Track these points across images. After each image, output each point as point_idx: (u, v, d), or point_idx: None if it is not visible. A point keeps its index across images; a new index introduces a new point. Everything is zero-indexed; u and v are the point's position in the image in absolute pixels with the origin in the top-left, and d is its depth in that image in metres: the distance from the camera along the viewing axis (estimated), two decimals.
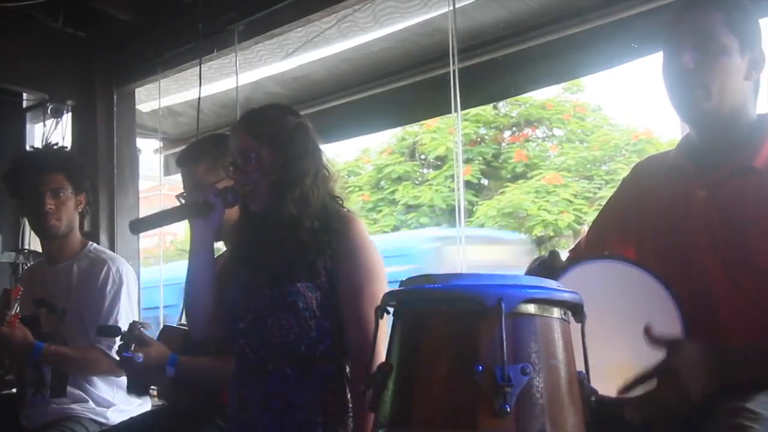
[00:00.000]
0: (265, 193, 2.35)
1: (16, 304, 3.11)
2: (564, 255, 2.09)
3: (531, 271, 1.98)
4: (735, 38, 1.97)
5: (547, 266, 1.93)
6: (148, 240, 8.54)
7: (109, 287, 3.22)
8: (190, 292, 2.44)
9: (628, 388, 1.70)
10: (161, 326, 3.10)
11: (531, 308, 1.41)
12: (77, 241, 3.39)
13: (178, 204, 2.61)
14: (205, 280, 2.42)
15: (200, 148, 2.92)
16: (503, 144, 12.64)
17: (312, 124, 2.46)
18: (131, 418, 3.03)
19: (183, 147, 5.69)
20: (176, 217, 2.46)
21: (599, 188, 11.22)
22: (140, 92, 5.30)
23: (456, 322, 1.41)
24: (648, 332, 1.74)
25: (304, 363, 2.26)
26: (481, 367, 1.34)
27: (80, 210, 3.38)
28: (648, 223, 2.11)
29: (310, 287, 2.27)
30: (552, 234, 11.12)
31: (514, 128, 12.82)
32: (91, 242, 3.44)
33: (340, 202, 2.44)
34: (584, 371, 1.47)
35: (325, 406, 2.25)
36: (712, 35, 1.96)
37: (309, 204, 2.31)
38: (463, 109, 4.10)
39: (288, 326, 2.26)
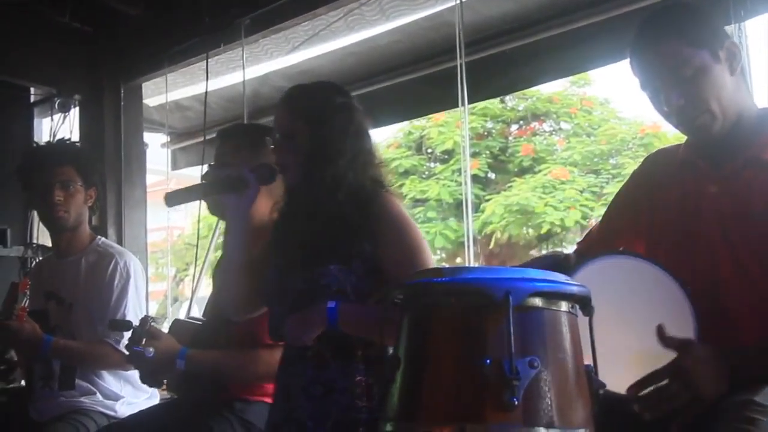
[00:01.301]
0: (295, 171, 2.31)
1: (26, 298, 3.12)
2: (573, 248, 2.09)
3: (541, 260, 1.97)
4: (703, 50, 1.95)
5: (560, 264, 1.91)
6: (155, 234, 8.58)
7: (116, 281, 3.23)
8: (224, 271, 2.41)
9: (638, 386, 1.70)
10: (172, 320, 3.10)
11: (538, 301, 1.41)
12: (86, 235, 3.40)
13: (212, 179, 2.59)
14: (239, 258, 2.38)
15: (243, 128, 2.98)
16: (510, 138, 12.60)
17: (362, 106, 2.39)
18: (140, 411, 3.04)
19: (190, 142, 5.75)
20: (210, 191, 2.46)
21: (606, 182, 11.18)
22: (147, 86, 5.31)
23: (464, 315, 1.41)
24: (660, 333, 1.74)
25: (344, 347, 2.20)
26: (488, 360, 1.34)
27: (90, 204, 3.39)
28: (658, 216, 2.11)
29: (344, 270, 2.20)
30: (559, 230, 11.10)
31: (521, 122, 12.78)
32: (99, 236, 3.45)
33: (384, 188, 2.35)
34: (592, 365, 1.47)
35: (368, 390, 2.20)
36: (683, 63, 1.94)
37: (339, 187, 2.25)
38: (470, 102, 4.11)
39: None
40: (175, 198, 2.42)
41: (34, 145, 3.82)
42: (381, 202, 2.27)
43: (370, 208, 2.25)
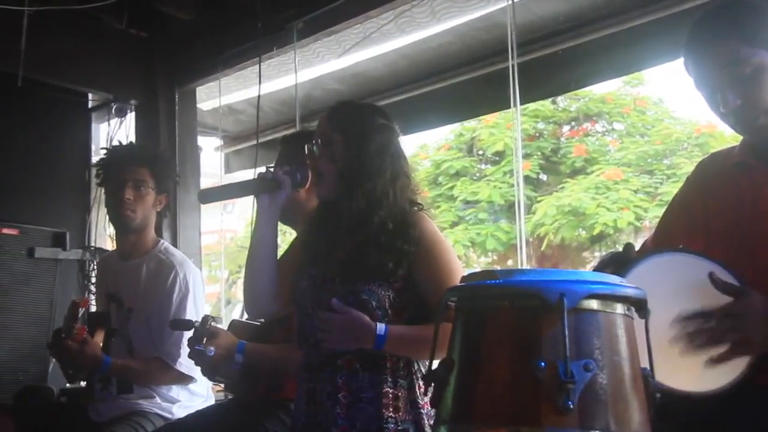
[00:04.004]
0: (331, 181, 2.36)
1: (84, 308, 3.17)
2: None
3: (601, 264, 1.95)
4: (761, 49, 1.91)
5: (620, 258, 1.90)
6: (209, 237, 8.67)
7: (175, 294, 3.24)
8: (250, 268, 2.45)
9: (685, 320, 1.69)
10: (229, 321, 3.13)
11: (594, 304, 1.39)
12: (150, 239, 3.41)
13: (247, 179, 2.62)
14: (266, 256, 2.43)
15: (303, 134, 3.01)
16: (562, 139, 12.49)
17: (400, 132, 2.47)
18: (197, 412, 3.09)
19: (243, 145, 5.81)
20: (244, 190, 2.49)
21: (660, 183, 11.01)
22: (201, 91, 5.37)
23: (518, 317, 1.40)
24: (714, 279, 1.73)
25: (374, 359, 2.25)
26: (543, 363, 1.33)
27: (159, 210, 3.42)
28: (714, 219, 2.08)
29: (384, 286, 2.27)
30: (612, 232, 10.96)
31: (573, 123, 12.66)
32: (162, 240, 3.47)
33: (420, 208, 2.42)
34: (649, 368, 1.45)
35: (396, 402, 2.24)
36: (741, 62, 1.90)
37: (381, 203, 2.31)
38: (522, 104, 4.09)
39: None
40: (209, 195, 2.45)
41: (118, 143, 3.87)
42: (419, 226, 2.33)
43: (410, 231, 2.30)
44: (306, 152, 2.43)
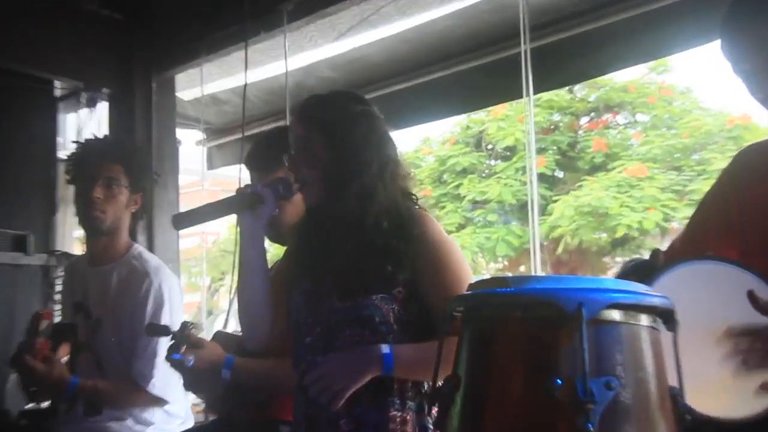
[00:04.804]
0: (317, 186, 2.34)
1: (48, 320, 3.18)
2: None
3: (623, 273, 1.95)
4: None
5: (644, 267, 1.89)
6: (188, 240, 8.67)
7: (149, 306, 3.24)
8: (242, 294, 2.43)
9: (736, 334, 1.70)
10: (214, 332, 3.13)
11: (615, 315, 1.39)
12: (122, 243, 3.41)
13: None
14: (257, 278, 2.39)
15: (269, 136, 3.01)
16: (580, 132, 12.51)
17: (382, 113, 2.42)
18: None
19: (227, 138, 5.81)
20: (223, 210, 2.42)
21: (690, 180, 11.01)
22: (181, 78, 5.37)
23: (531, 329, 1.39)
24: (753, 298, 1.72)
25: (381, 380, 2.20)
26: (560, 381, 1.32)
27: (133, 210, 3.41)
28: (752, 215, 2.08)
29: (386, 299, 2.23)
30: (637, 234, 10.96)
31: (592, 114, 12.68)
32: (136, 244, 3.46)
33: (415, 201, 2.41)
34: (678, 386, 1.45)
35: (403, 426, 2.22)
36: None
37: (372, 200, 2.28)
38: (535, 93, 4.09)
39: (363, 342, 2.22)
40: (184, 219, 2.41)
41: (92, 137, 3.88)
42: (421, 224, 2.30)
43: (410, 230, 2.27)
44: (285, 163, 2.42)
